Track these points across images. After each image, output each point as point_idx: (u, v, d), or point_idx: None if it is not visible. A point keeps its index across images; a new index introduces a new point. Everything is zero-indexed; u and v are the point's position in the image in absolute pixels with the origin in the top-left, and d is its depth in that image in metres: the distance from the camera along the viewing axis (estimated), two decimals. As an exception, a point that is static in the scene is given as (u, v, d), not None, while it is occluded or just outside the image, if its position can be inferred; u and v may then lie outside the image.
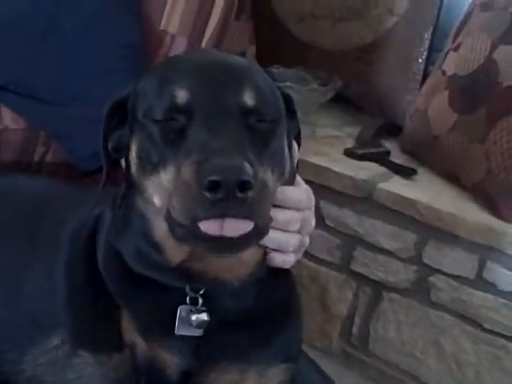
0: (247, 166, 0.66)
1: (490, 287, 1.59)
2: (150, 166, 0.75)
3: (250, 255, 0.81)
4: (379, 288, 1.78)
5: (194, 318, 0.80)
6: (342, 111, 2.14)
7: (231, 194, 0.65)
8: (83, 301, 0.85)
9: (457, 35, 1.77)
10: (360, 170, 1.76)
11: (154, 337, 0.82)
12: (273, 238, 0.81)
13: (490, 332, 1.62)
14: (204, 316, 0.80)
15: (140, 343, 0.82)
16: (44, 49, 1.24)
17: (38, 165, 1.29)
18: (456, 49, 1.74)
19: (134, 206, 0.82)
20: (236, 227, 0.68)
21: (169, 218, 0.72)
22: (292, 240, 0.84)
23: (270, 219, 0.75)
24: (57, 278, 0.89)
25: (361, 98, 2.07)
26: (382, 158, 1.81)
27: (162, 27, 1.36)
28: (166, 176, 0.72)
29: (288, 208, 0.83)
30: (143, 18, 1.35)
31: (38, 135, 1.27)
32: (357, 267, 1.80)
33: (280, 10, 2.20)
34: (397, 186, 1.69)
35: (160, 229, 0.78)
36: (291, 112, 0.85)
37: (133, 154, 0.79)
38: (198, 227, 0.68)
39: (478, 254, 1.58)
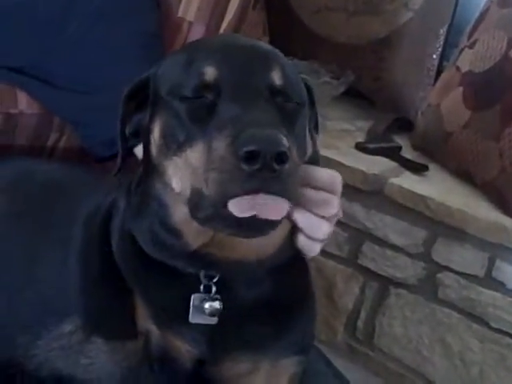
0: (284, 138, 0.65)
1: (498, 286, 1.59)
2: (175, 144, 0.74)
3: (273, 238, 0.79)
4: (386, 283, 1.78)
5: (206, 305, 0.79)
6: (353, 105, 2.14)
7: (268, 165, 0.64)
8: (97, 287, 0.85)
9: (473, 32, 1.76)
10: (371, 164, 1.75)
11: (167, 324, 0.81)
12: (306, 220, 0.79)
13: (497, 331, 1.62)
14: (217, 304, 0.79)
15: (154, 331, 0.81)
16: (61, 33, 1.23)
17: (51, 150, 1.29)
18: (471, 45, 1.73)
19: (151, 191, 0.81)
20: (272, 208, 0.67)
21: (191, 199, 0.71)
22: (324, 227, 0.81)
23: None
24: (70, 263, 0.88)
25: (373, 93, 2.06)
26: (394, 153, 1.80)
27: (179, 14, 1.34)
28: (193, 153, 0.71)
29: (323, 190, 0.80)
30: (161, 5, 1.34)
31: (52, 120, 1.26)
32: (364, 262, 1.80)
33: (294, 2, 2.19)
34: (408, 181, 1.69)
35: (180, 214, 0.77)
36: (311, 102, 0.84)
37: (155, 135, 0.78)
38: (226, 208, 0.66)
39: (487, 252, 1.58)
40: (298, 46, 2.11)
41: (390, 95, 2.03)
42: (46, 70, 1.24)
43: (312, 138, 0.84)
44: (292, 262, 0.85)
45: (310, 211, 0.80)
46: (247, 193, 0.66)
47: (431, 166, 1.76)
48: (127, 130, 0.84)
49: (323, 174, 0.81)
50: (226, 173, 0.66)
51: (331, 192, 0.81)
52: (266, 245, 0.80)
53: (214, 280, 0.80)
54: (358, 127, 2.02)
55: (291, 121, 0.75)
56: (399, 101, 2.01)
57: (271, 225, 0.69)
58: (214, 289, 0.80)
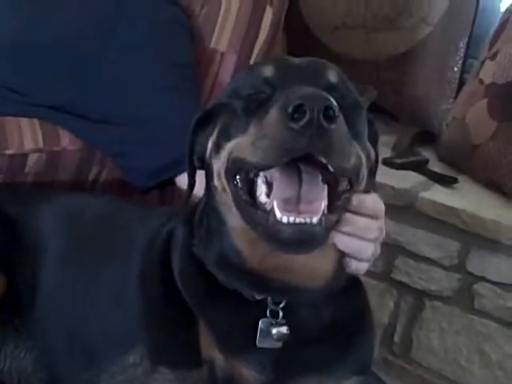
0: (333, 100, 0.66)
1: (535, 294, 1.59)
2: (228, 137, 0.77)
3: (326, 259, 0.82)
4: (421, 296, 1.78)
5: (274, 331, 0.81)
6: (376, 120, 2.14)
7: (316, 120, 0.64)
8: (160, 316, 0.87)
9: (493, 43, 1.78)
10: (400, 179, 1.76)
11: (232, 351, 0.83)
12: (349, 244, 0.82)
13: (536, 338, 1.62)
14: (284, 329, 0.82)
15: (218, 358, 0.83)
16: (99, 69, 1.26)
17: (92, 183, 1.31)
18: (493, 57, 1.74)
19: (213, 208, 0.84)
20: (312, 203, 0.70)
21: (238, 195, 0.75)
22: (367, 249, 0.85)
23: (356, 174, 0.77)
24: (129, 295, 0.90)
25: (395, 108, 2.07)
26: (422, 167, 1.81)
27: (212, 45, 1.37)
28: (245, 138, 0.73)
29: (366, 215, 0.83)
30: (194, 37, 1.37)
31: (94, 155, 1.29)
32: (398, 276, 1.80)
33: (311, 21, 2.20)
34: (439, 194, 1.70)
35: (233, 223, 0.80)
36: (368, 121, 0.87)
37: (213, 137, 0.82)
38: (274, 216, 0.69)
39: (523, 261, 1.58)
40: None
41: (413, 109, 2.04)
42: (84, 105, 1.26)
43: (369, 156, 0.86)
44: (349, 284, 0.87)
45: (354, 235, 0.82)
46: (296, 151, 0.67)
47: (459, 178, 1.77)
48: (195, 156, 0.88)
49: (366, 200, 0.84)
50: (275, 136, 0.67)
51: (374, 217, 0.83)
52: (323, 268, 0.82)
53: (281, 305, 0.82)
54: (382, 142, 2.01)
55: (349, 118, 0.75)
56: (422, 114, 2.02)
57: (313, 241, 0.71)
58: (281, 314, 0.82)
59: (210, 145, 0.83)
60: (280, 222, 0.69)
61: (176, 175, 1.19)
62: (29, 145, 1.24)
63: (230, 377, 0.83)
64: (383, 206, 0.88)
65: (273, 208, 0.71)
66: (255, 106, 0.75)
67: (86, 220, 1.07)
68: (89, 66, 1.26)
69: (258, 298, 0.83)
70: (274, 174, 0.73)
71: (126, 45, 1.26)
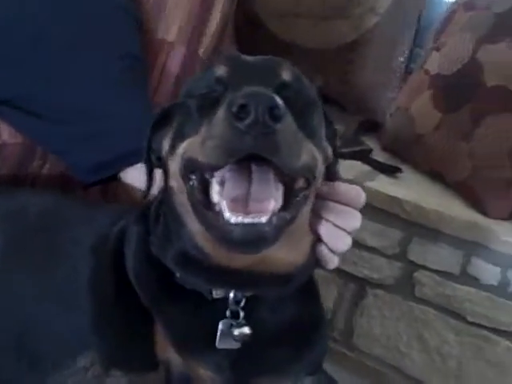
0: (278, 98, 0.65)
1: (473, 281, 1.63)
2: (182, 137, 0.77)
3: (297, 252, 0.81)
4: (364, 284, 1.81)
5: (236, 332, 0.80)
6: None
7: (262, 120, 0.63)
8: (113, 318, 0.84)
9: (439, 34, 1.80)
10: (345, 169, 1.77)
11: (190, 352, 0.81)
12: (328, 231, 0.82)
13: (473, 324, 1.65)
14: (246, 330, 0.80)
15: (175, 359, 0.81)
16: (36, 59, 1.16)
17: (33, 178, 1.25)
18: (439, 48, 1.77)
19: (170, 209, 0.82)
20: (261, 202, 0.69)
21: (193, 194, 0.74)
22: (344, 239, 0.84)
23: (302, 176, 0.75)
24: (79, 296, 0.87)
25: (341, 96, 2.08)
26: (365, 157, 1.83)
27: (159, 36, 1.33)
28: (197, 138, 0.73)
29: (344, 204, 0.83)
30: (142, 27, 1.32)
31: (35, 149, 1.22)
32: (342, 265, 1.82)
33: (260, 9, 2.18)
34: (383, 184, 1.71)
35: (195, 227, 0.78)
36: (326, 118, 0.87)
37: (169, 137, 0.81)
38: (223, 217, 0.68)
39: (462, 249, 1.62)
40: (265, 52, 2.09)
41: (358, 98, 2.05)
42: (27, 100, 1.18)
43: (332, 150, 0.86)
44: (306, 285, 0.87)
45: (335, 224, 0.82)
46: (242, 154, 0.66)
47: (402, 167, 1.80)
48: (153, 155, 0.86)
49: (348, 189, 0.84)
50: (221, 136, 0.66)
51: (355, 206, 0.84)
52: (293, 261, 0.81)
53: (241, 305, 0.81)
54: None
55: (303, 116, 0.75)
56: (367, 103, 2.04)
57: (262, 241, 0.69)
58: (241, 314, 0.81)
59: (165, 145, 0.82)
60: (229, 223, 0.68)
61: (121, 170, 1.15)
62: (-36, 139, 1.18)
63: (187, 378, 0.82)
64: (364, 197, 0.86)
65: (223, 209, 0.70)
66: (208, 106, 0.74)
67: (29, 217, 1.03)
68: (26, 58, 1.16)
69: (218, 296, 0.81)
70: (226, 173, 0.72)
71: (65, 36, 1.17)
